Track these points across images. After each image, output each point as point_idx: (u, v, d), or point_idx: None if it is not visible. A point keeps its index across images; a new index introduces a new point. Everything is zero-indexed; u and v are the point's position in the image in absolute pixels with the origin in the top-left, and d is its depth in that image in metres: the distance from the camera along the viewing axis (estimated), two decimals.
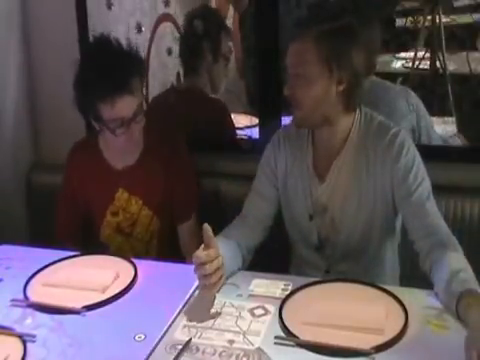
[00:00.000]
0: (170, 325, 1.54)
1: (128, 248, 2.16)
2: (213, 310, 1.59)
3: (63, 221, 2.18)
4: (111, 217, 2.14)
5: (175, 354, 1.43)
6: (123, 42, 1.98)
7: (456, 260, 1.58)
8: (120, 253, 2.10)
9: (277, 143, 1.91)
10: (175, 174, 2.09)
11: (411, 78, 3.30)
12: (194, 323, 1.54)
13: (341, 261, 1.87)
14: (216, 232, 1.61)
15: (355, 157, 1.79)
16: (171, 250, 2.15)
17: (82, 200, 2.16)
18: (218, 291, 1.65)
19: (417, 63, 3.32)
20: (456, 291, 1.48)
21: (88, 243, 2.17)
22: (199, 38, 2.56)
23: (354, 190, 1.80)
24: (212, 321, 1.55)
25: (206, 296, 1.62)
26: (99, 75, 1.87)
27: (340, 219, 1.84)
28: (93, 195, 2.13)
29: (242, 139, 2.71)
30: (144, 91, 2.00)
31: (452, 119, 2.86)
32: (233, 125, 2.63)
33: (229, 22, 3.17)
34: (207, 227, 1.55)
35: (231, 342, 1.47)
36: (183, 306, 1.62)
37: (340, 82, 1.70)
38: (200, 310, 1.59)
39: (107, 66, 1.89)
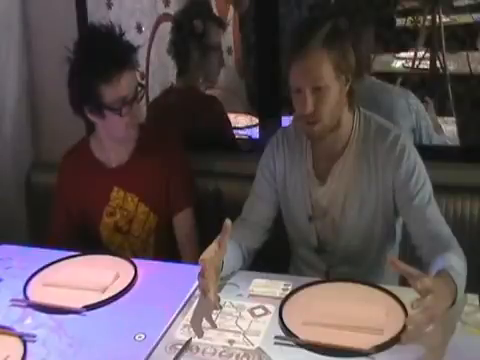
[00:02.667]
0: (170, 325, 1.54)
1: (127, 246, 2.16)
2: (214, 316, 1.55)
3: (57, 230, 2.15)
4: (107, 218, 2.13)
5: (175, 354, 1.43)
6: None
7: (456, 262, 1.58)
8: (121, 252, 2.10)
9: (276, 145, 1.90)
10: (170, 167, 2.08)
11: (411, 78, 3.29)
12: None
13: (341, 264, 1.86)
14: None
15: (356, 160, 1.79)
16: (168, 248, 2.14)
17: (76, 208, 2.14)
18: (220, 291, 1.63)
19: (417, 63, 3.31)
20: (439, 265, 1.50)
21: (88, 247, 2.16)
22: (187, 36, 2.53)
23: (356, 194, 1.80)
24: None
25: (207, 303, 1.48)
26: (98, 56, 1.89)
27: (341, 223, 1.83)
28: (88, 199, 2.11)
29: (242, 139, 2.71)
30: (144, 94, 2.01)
31: (452, 119, 2.86)
32: (229, 122, 2.63)
33: (229, 22, 3.16)
34: (228, 224, 1.47)
35: (231, 342, 1.47)
36: (183, 306, 1.62)
37: (347, 81, 1.71)
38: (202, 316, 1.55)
39: (106, 44, 1.92)
